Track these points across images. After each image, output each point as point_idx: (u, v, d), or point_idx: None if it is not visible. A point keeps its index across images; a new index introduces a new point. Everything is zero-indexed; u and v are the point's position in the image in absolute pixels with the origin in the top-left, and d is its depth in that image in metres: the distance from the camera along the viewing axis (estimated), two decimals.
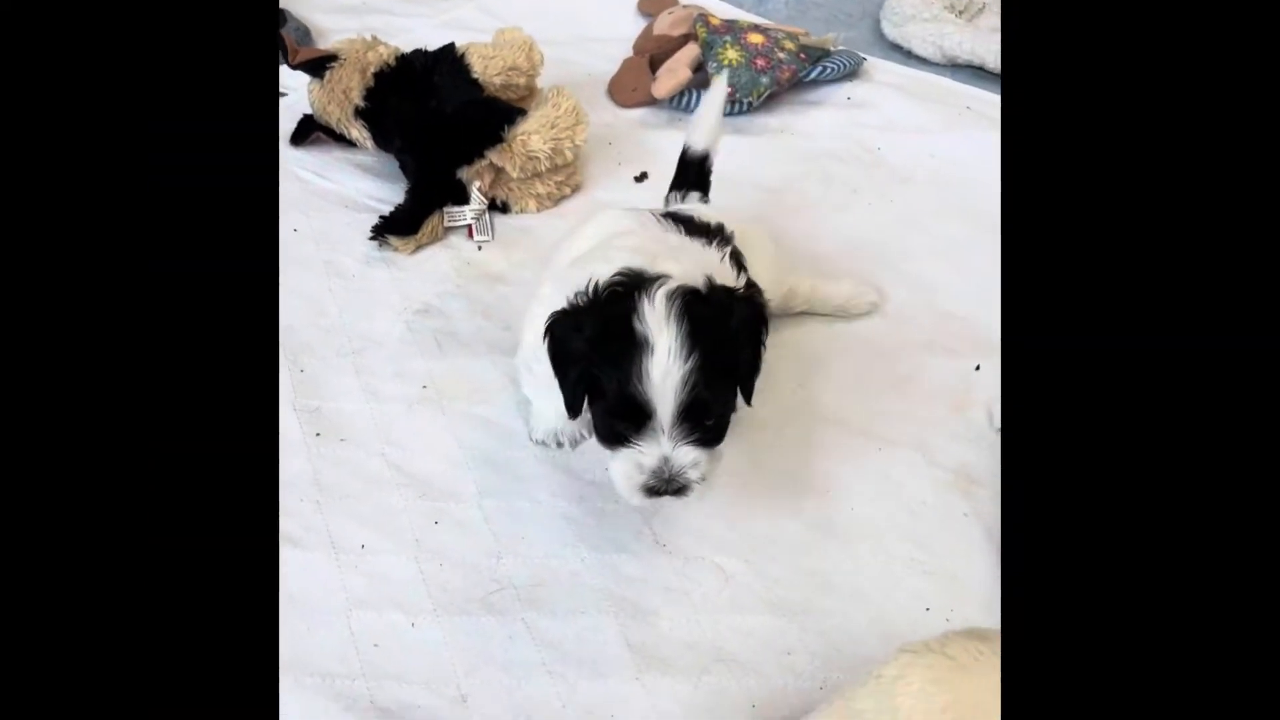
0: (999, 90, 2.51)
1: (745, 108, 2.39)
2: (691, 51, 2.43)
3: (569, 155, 2.06)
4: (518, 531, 1.49)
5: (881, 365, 1.78)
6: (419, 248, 2.00)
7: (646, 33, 2.57)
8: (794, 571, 1.45)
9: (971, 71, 2.63)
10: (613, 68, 2.54)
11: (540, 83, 2.25)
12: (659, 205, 1.78)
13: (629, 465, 1.24)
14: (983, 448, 1.64)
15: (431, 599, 1.39)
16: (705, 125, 1.81)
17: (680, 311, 1.20)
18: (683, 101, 2.41)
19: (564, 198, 2.15)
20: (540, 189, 2.10)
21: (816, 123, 2.42)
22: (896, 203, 2.18)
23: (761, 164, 2.27)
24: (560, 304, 1.30)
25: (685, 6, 2.64)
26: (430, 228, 1.99)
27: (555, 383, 1.32)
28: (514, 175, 2.03)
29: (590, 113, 2.32)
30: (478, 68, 2.08)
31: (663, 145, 2.32)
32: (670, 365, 1.18)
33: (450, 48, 2.13)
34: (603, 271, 1.28)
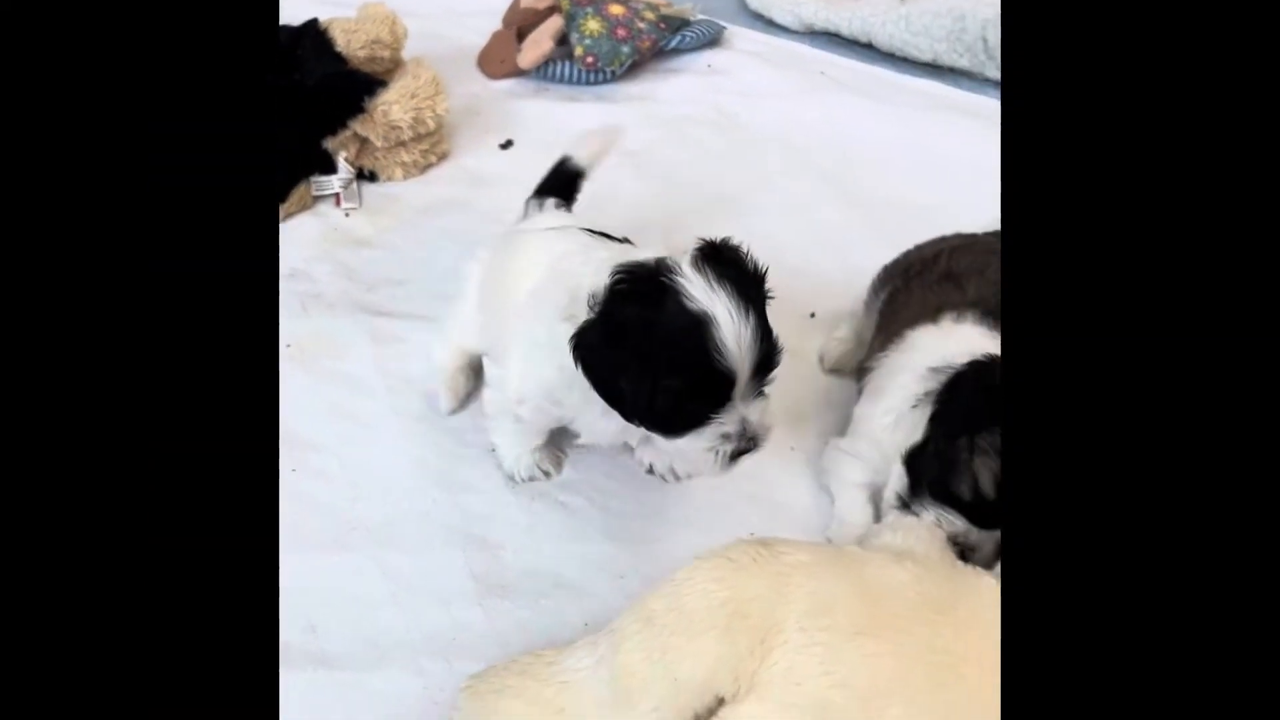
0: (853, 55, 2.65)
1: (608, 76, 2.49)
2: (556, 23, 2.51)
3: (431, 124, 2.14)
4: (373, 477, 1.57)
5: None
6: (288, 216, 2.06)
7: (514, 6, 2.65)
8: (633, 505, 1.56)
9: (828, 38, 2.76)
10: (482, 40, 2.62)
11: (405, 55, 2.32)
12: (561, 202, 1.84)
13: (711, 441, 1.22)
14: (813, 387, 1.77)
15: (284, 541, 1.47)
16: (594, 147, 1.82)
17: (717, 276, 1.17)
18: (549, 72, 2.50)
19: (430, 165, 2.23)
20: (406, 157, 2.18)
21: (677, 89, 2.53)
22: (751, 164, 2.30)
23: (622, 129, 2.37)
24: (555, 335, 1.25)
25: None
26: (298, 196, 2.06)
27: (532, 426, 1.41)
28: (378, 144, 2.11)
29: (459, 84, 2.42)
30: (340, 41, 2.15)
31: (528, 114, 2.42)
32: (739, 328, 1.15)
33: (313, 23, 2.19)
34: (585, 286, 1.23)
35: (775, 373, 1.23)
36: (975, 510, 1.30)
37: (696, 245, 1.23)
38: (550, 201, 1.74)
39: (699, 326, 1.14)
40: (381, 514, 1.52)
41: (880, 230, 1.95)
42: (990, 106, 2.51)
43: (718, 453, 1.23)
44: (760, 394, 1.23)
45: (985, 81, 2.60)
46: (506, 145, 2.32)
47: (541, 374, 1.34)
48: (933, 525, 1.30)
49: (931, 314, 1.51)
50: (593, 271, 1.25)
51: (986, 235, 1.74)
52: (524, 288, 1.39)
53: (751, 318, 1.16)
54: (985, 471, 1.28)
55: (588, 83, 2.50)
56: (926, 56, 2.61)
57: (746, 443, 1.22)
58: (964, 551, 1.30)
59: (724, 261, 1.21)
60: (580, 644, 1.19)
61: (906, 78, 2.61)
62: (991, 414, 1.28)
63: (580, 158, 1.80)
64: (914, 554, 1.22)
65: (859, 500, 1.49)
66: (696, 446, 1.23)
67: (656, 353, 1.16)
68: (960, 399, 1.33)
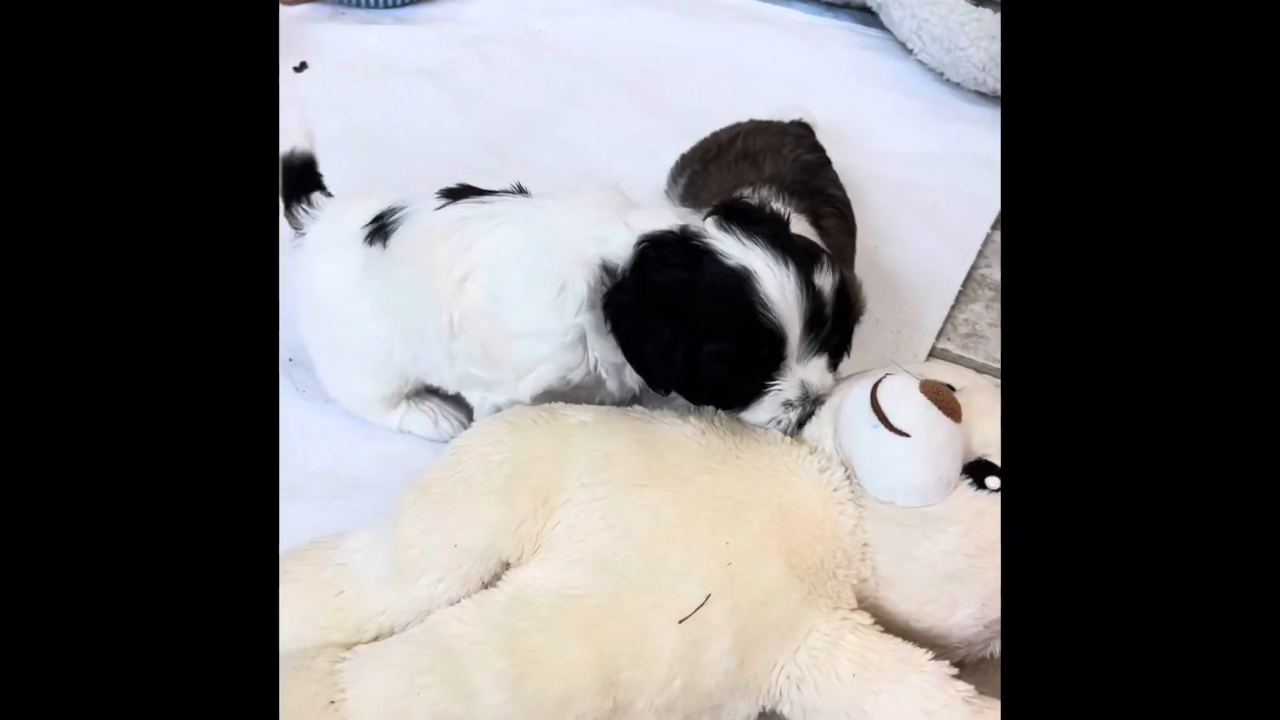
0: None
1: None
2: None
3: None
4: None
5: None
6: None
7: None
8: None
9: None
10: None
11: None
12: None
13: (772, 411, 1.14)
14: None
15: None
16: (303, 130, 1.50)
17: (745, 231, 1.10)
18: None
19: None
20: None
21: (481, 8, 2.47)
22: (554, 80, 2.26)
23: (422, 51, 2.31)
24: (569, 323, 1.17)
25: None
26: None
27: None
28: None
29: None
30: None
31: (324, 37, 2.34)
32: (782, 280, 1.07)
33: None
34: (579, 265, 1.15)
35: (833, 330, 1.14)
36: None
37: (712, 207, 1.17)
38: (318, 196, 1.44)
39: (740, 282, 1.07)
40: None
41: (688, 136, 1.94)
42: (793, 18, 2.53)
43: (780, 423, 1.15)
44: (824, 348, 1.13)
45: None
46: (301, 68, 2.23)
47: (559, 364, 1.21)
48: None
49: (729, 192, 1.50)
50: (576, 245, 1.16)
51: (780, 121, 1.76)
52: (470, 286, 1.21)
53: (792, 268, 1.08)
54: None
55: (384, 6, 2.42)
56: None
57: (811, 406, 1.15)
58: None
59: (749, 218, 1.14)
60: (361, 527, 1.14)
61: None
62: None
63: (300, 145, 1.48)
64: (704, 411, 1.20)
65: None
66: (759, 419, 1.15)
67: (698, 316, 1.08)
68: None
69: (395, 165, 1.95)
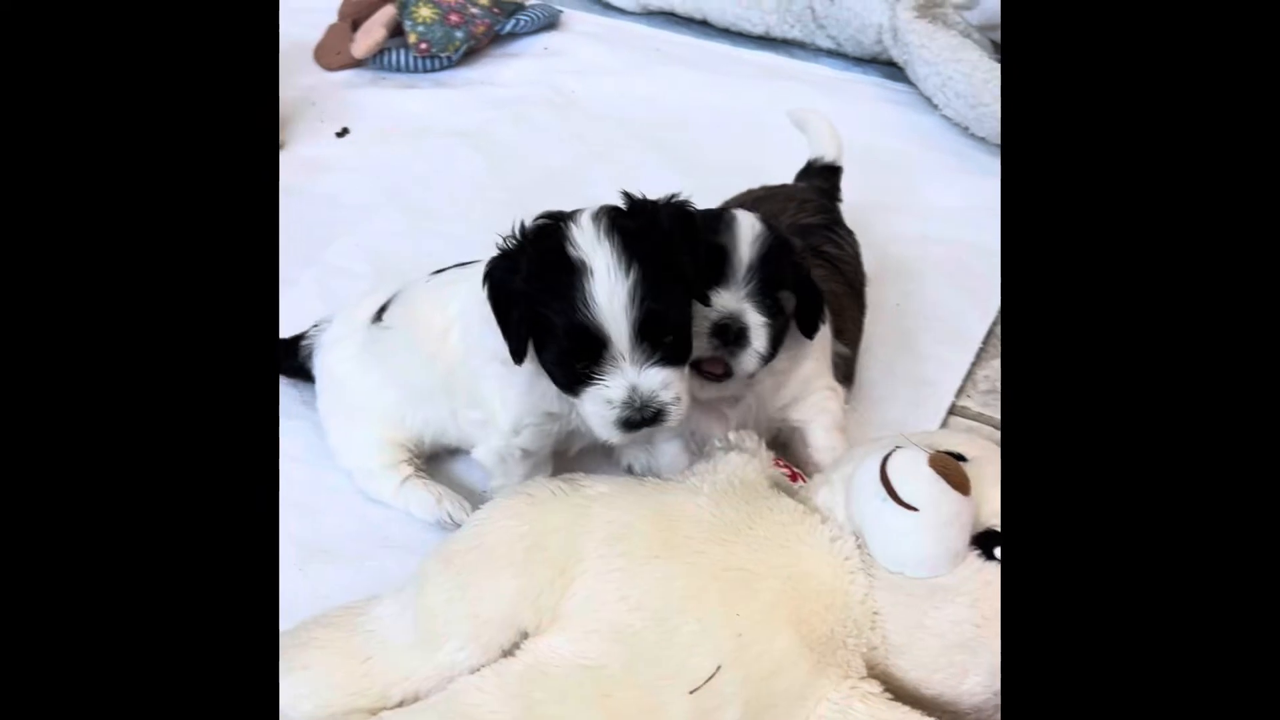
0: (690, 33, 2.70)
1: (445, 63, 2.50)
2: (389, 12, 2.51)
3: None
4: None
5: None
6: None
7: None
8: (465, 464, 1.55)
9: (664, 17, 2.80)
10: (318, 34, 2.59)
11: None
12: None
13: (598, 404, 1.17)
14: None
15: None
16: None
17: (609, 227, 1.14)
18: (384, 61, 2.50)
19: None
20: None
21: (515, 71, 2.55)
22: (585, 138, 2.33)
23: (457, 113, 2.39)
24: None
25: None
26: None
27: (540, 454, 1.32)
28: None
29: (295, 77, 2.41)
30: None
31: (365, 102, 2.43)
32: (613, 282, 1.11)
33: None
34: None
35: (674, 340, 1.17)
36: None
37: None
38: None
39: (572, 276, 1.12)
40: None
41: (711, 192, 1.97)
42: (820, 73, 2.57)
43: (605, 418, 1.18)
44: (662, 360, 1.16)
45: (818, 51, 2.66)
46: (343, 133, 2.31)
47: (526, 389, 1.28)
48: (746, 454, 1.32)
49: None
50: None
51: (791, 184, 1.79)
52: (452, 337, 1.33)
53: (634, 273, 1.11)
54: None
55: (424, 70, 2.50)
56: (759, 30, 2.67)
57: (638, 414, 1.16)
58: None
59: (632, 214, 1.18)
60: (388, 593, 1.19)
61: (741, 50, 2.67)
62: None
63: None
64: (718, 482, 1.24)
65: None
66: (588, 409, 1.19)
67: (538, 299, 1.15)
68: None
69: (427, 226, 2.03)
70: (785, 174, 1.90)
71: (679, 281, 1.18)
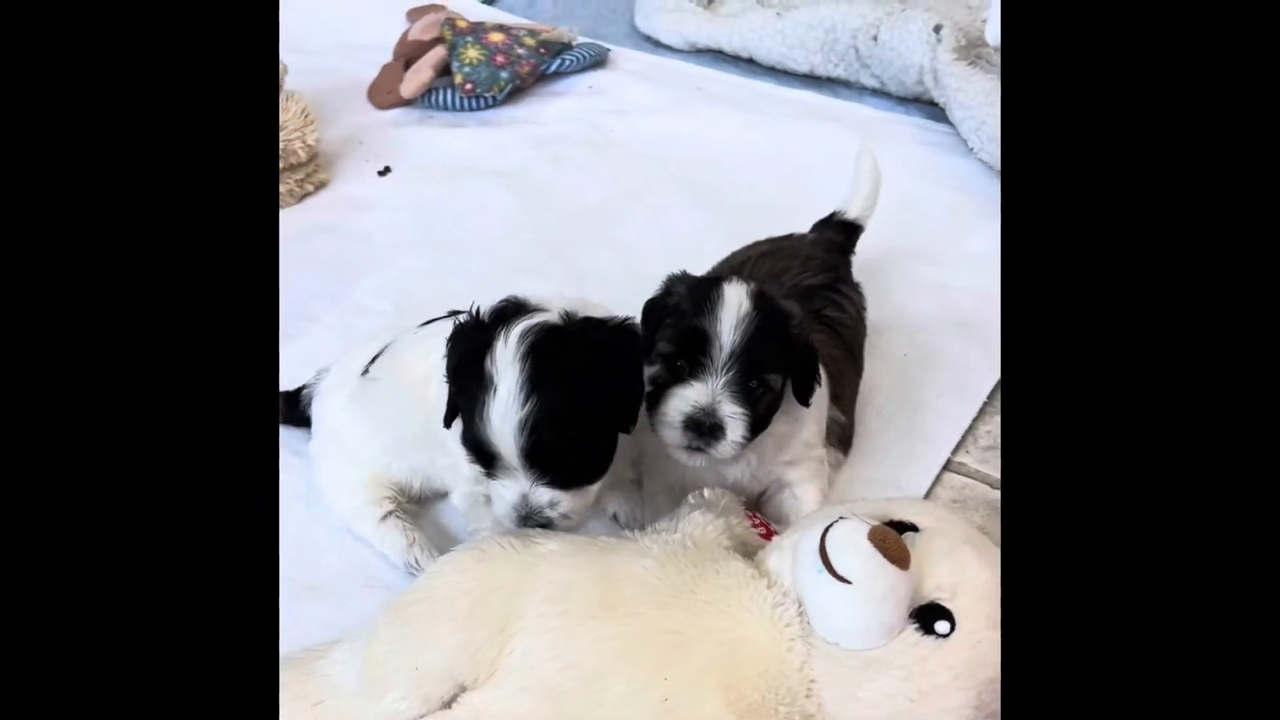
0: (736, 71, 2.72)
1: (490, 102, 2.57)
2: (438, 53, 2.59)
3: (302, 154, 2.21)
4: None
5: None
6: None
7: (403, 39, 2.73)
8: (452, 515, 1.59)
9: (712, 55, 2.83)
10: (375, 73, 2.70)
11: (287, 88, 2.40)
12: None
13: (496, 495, 1.25)
14: None
15: None
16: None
17: (529, 350, 1.17)
18: (432, 100, 2.58)
19: (307, 194, 2.30)
20: (280, 188, 2.25)
21: (558, 110, 2.61)
22: (620, 177, 2.37)
23: (498, 152, 2.45)
24: None
25: (439, 10, 2.80)
26: None
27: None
28: None
29: (347, 115, 2.51)
30: None
31: (410, 141, 2.50)
32: (509, 408, 1.15)
33: None
34: None
35: (572, 466, 1.22)
36: None
37: (555, 313, 1.25)
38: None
39: (480, 389, 1.17)
40: None
41: (737, 235, 1.98)
42: (860, 113, 2.57)
43: (502, 510, 1.25)
44: (553, 482, 1.21)
45: (863, 90, 2.65)
46: (384, 172, 2.39)
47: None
48: (710, 514, 1.34)
49: None
50: None
51: (801, 236, 1.80)
52: (432, 385, 1.35)
53: (533, 404, 1.15)
54: (660, 348, 1.32)
55: (470, 109, 2.57)
56: (804, 68, 2.67)
57: (526, 520, 1.23)
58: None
59: (563, 335, 1.21)
60: (346, 638, 1.24)
61: (784, 89, 2.68)
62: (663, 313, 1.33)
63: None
64: (671, 542, 1.26)
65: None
66: (493, 495, 1.26)
67: (458, 391, 1.22)
68: (644, 325, 1.36)
69: (453, 264, 2.08)
70: (816, 217, 1.90)
71: (598, 409, 1.21)
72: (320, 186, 2.33)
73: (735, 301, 1.28)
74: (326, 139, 2.40)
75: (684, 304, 1.30)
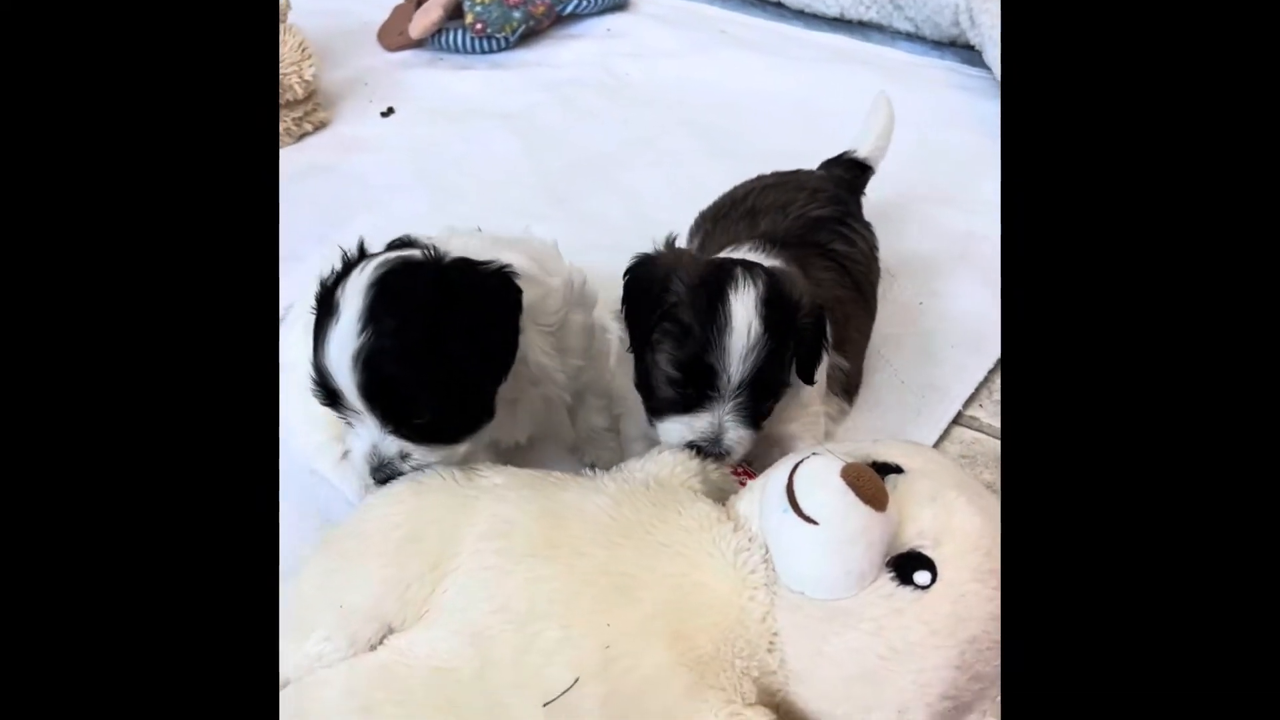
0: (762, 14, 2.59)
1: (502, 44, 2.47)
2: None
3: (300, 91, 2.13)
4: None
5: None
6: None
7: None
8: None
9: None
10: (387, 15, 2.61)
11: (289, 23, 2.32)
12: None
13: (352, 446, 1.15)
14: None
15: None
16: None
17: (376, 281, 1.07)
18: (442, 41, 2.49)
19: (305, 134, 2.22)
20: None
21: (573, 53, 2.50)
22: (631, 123, 2.25)
23: (506, 95, 2.35)
24: None
25: None
26: None
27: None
28: None
29: (355, 57, 2.42)
30: None
31: (417, 83, 2.41)
32: (346, 338, 1.05)
33: None
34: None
35: (429, 420, 1.10)
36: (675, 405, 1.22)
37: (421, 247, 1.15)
38: None
39: (328, 315, 1.08)
40: None
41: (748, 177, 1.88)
42: (892, 57, 2.43)
43: (356, 463, 1.16)
44: (404, 432, 1.10)
45: (895, 34, 2.51)
46: (388, 113, 2.30)
47: None
48: (681, 455, 1.23)
49: (723, 251, 1.44)
50: None
51: (809, 171, 1.67)
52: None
53: (371, 335, 1.04)
54: (661, 359, 1.20)
55: (481, 51, 2.47)
56: (834, 11, 2.54)
57: (379, 473, 1.13)
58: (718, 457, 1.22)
59: (417, 271, 1.10)
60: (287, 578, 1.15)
61: (812, 33, 2.55)
62: (658, 307, 1.20)
63: None
64: (631, 480, 1.15)
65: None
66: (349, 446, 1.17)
67: (318, 320, 1.11)
68: (630, 307, 1.25)
69: (450, 208, 1.98)
70: None
71: (450, 351, 1.07)
72: (320, 126, 2.25)
73: (744, 324, 1.14)
74: (332, 80, 2.32)
75: (685, 314, 1.17)
